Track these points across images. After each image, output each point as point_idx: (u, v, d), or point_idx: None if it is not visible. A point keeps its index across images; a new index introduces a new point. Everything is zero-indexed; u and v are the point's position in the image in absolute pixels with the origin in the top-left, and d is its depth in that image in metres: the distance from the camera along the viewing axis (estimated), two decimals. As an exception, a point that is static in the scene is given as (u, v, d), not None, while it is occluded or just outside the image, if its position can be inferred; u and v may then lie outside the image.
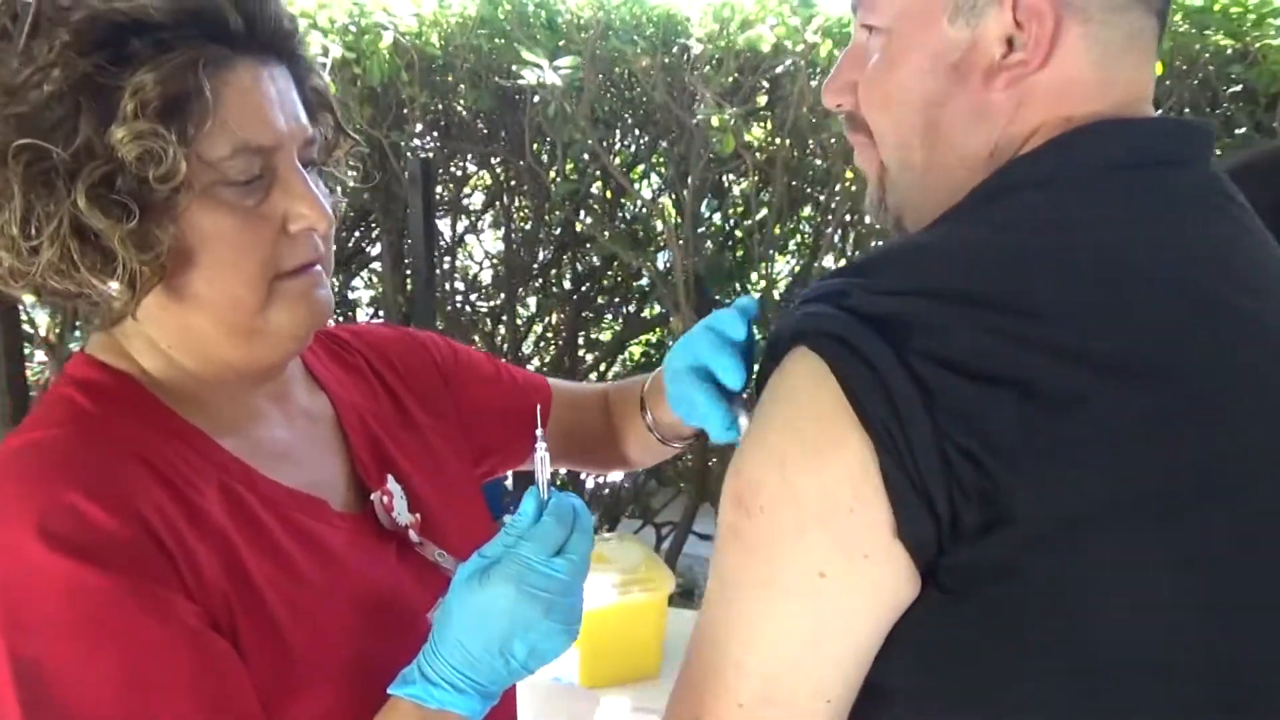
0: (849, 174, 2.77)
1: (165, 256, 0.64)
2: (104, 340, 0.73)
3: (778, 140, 2.84)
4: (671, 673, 0.59)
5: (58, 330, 3.18)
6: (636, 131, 3.23)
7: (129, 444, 0.67)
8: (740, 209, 3.19)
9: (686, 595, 3.44)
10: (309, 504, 0.76)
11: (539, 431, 0.73)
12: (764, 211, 3.00)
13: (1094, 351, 0.53)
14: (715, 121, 2.51)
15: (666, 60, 2.61)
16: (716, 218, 3.35)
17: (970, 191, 0.61)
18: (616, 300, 3.74)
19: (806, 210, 3.24)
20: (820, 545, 0.54)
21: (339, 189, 0.82)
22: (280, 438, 0.78)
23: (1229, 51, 2.44)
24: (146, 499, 0.64)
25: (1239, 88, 2.53)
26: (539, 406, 0.84)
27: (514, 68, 2.54)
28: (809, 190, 3.07)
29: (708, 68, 2.63)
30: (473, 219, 3.79)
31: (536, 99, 2.67)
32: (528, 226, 3.60)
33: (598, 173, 3.26)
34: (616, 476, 3.64)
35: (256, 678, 0.66)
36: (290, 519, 0.74)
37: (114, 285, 0.63)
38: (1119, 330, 0.54)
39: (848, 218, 3.02)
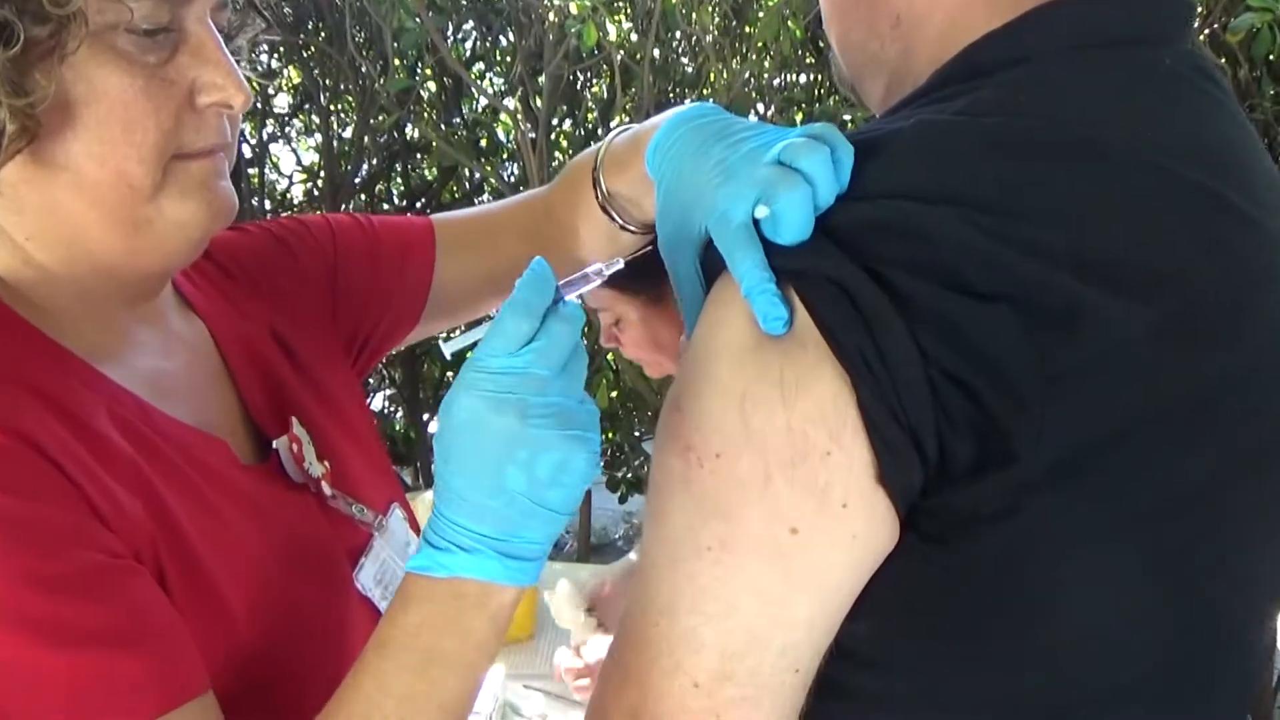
0: (723, 75, 2.74)
1: (41, 109, 0.57)
2: None
3: (638, 36, 2.79)
4: (547, 636, 0.54)
5: None
6: (479, 21, 3.15)
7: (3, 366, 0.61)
8: (597, 114, 3.15)
9: (597, 550, 3.33)
10: (213, 446, 0.71)
11: None
12: (625, 118, 2.97)
13: (1090, 257, 0.51)
14: (574, 8, 2.41)
15: (514, -64, 2.49)
16: (570, 124, 3.32)
17: (936, 71, 0.60)
18: None
19: None
20: (790, 496, 0.51)
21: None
22: (164, 370, 0.72)
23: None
24: (42, 431, 0.59)
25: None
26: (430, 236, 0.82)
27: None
28: (676, 94, 3.03)
29: (562, -54, 2.56)
30: (280, 124, 3.62)
31: (358, -23, 2.51)
32: (348, 133, 3.48)
33: (433, 69, 3.17)
34: None
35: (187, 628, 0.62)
36: (199, 461, 0.68)
37: None
38: (1116, 232, 0.53)
39: None
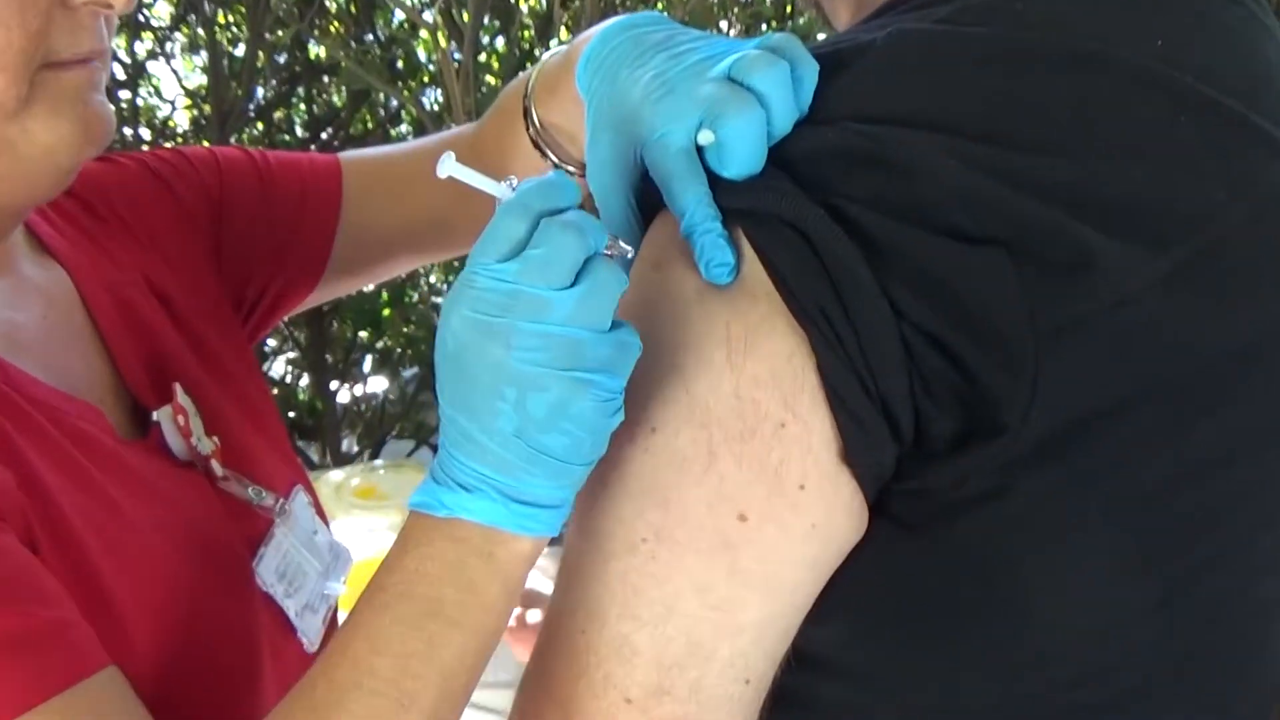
0: (679, -14, 2.74)
1: None
2: None
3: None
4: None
5: None
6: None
7: None
8: (534, 31, 3.14)
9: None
10: (87, 413, 0.69)
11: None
12: (564, 33, 2.98)
13: (1096, 194, 0.51)
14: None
15: None
16: (502, 42, 3.33)
17: None
18: None
19: None
20: (737, 477, 0.51)
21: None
22: (19, 323, 0.70)
23: None
24: None
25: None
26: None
27: None
28: (625, 6, 3.04)
29: None
30: (159, 39, 3.57)
31: None
32: (239, 50, 3.45)
33: (339, -24, 3.12)
34: (380, 385, 3.57)
35: None
36: (74, 429, 0.66)
37: None
38: (1127, 165, 0.52)
39: None
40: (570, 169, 0.80)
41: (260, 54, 3.37)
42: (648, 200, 0.59)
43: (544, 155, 0.80)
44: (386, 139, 3.64)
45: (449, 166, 0.54)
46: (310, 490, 0.83)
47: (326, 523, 0.82)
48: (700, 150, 0.54)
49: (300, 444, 4.20)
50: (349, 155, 0.91)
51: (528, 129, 0.80)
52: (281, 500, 0.78)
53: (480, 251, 0.55)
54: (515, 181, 0.57)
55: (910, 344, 0.49)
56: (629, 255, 0.56)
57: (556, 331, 0.54)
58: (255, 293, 0.88)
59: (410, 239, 0.91)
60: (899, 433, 0.50)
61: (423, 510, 0.58)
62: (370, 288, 3.63)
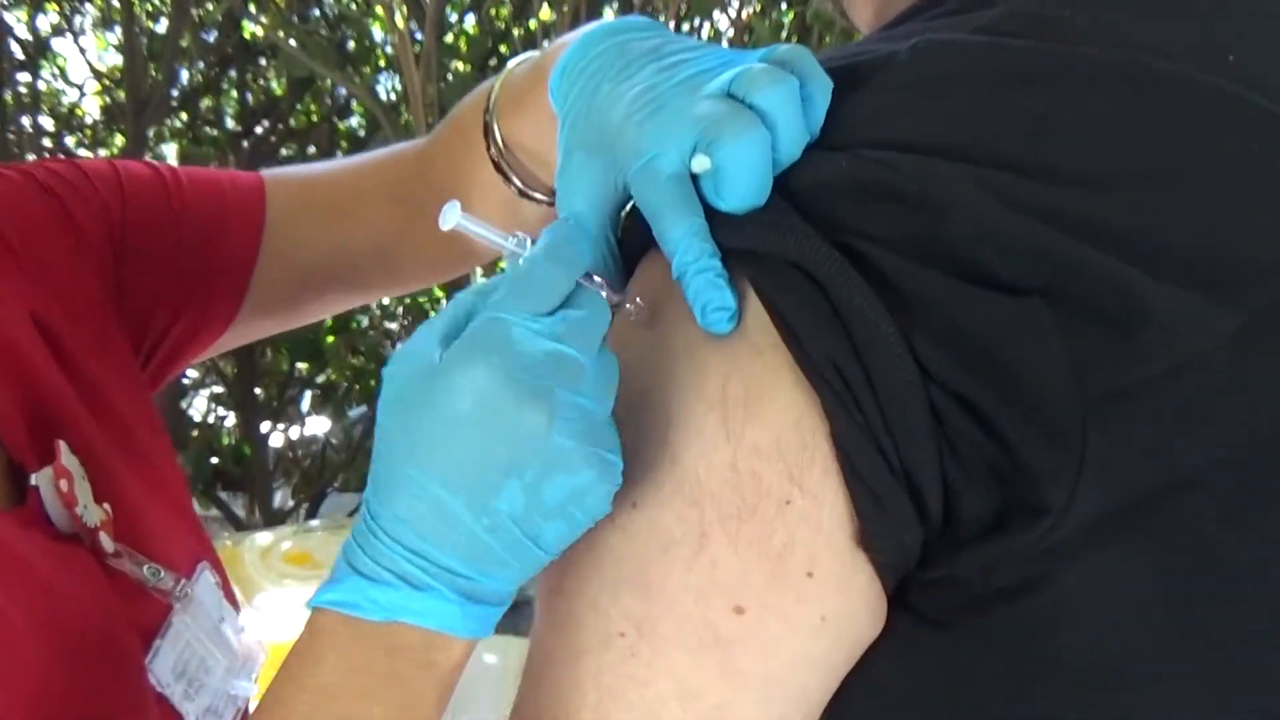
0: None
1: None
2: None
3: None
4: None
5: None
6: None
7: None
8: (510, 9, 3.18)
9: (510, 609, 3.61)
10: None
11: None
12: (545, 10, 2.95)
13: (1158, 237, 0.52)
14: None
15: None
16: (472, 21, 3.33)
17: None
18: (311, 149, 3.68)
19: (608, 11, 3.26)
20: (734, 563, 0.52)
21: None
22: None
23: None
24: None
25: None
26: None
27: None
28: None
29: None
30: (65, 12, 3.60)
31: None
32: (161, 27, 3.45)
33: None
34: (320, 427, 3.60)
35: None
36: None
37: None
38: (1195, 204, 0.53)
39: (673, 24, 2.99)
40: (539, 197, 0.82)
41: (185, 31, 3.40)
42: (631, 235, 0.61)
43: (507, 180, 0.81)
44: (333, 134, 3.65)
45: (454, 217, 0.55)
46: (218, 568, 0.84)
47: (237, 606, 0.82)
48: (695, 179, 0.56)
49: (224, 496, 4.25)
50: (274, 172, 0.93)
51: (488, 149, 0.81)
52: (183, 581, 0.78)
53: (513, 299, 0.56)
54: (525, 238, 0.58)
55: (938, 409, 0.51)
56: (615, 300, 0.58)
57: (587, 406, 0.56)
58: (158, 333, 0.90)
59: (345, 272, 0.93)
60: (925, 512, 0.52)
61: (344, 611, 0.57)
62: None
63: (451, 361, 0.56)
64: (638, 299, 0.59)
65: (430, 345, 0.58)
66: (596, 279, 0.58)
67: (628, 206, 0.63)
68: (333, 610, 0.58)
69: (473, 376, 0.55)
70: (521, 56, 0.80)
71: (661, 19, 2.97)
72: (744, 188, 0.55)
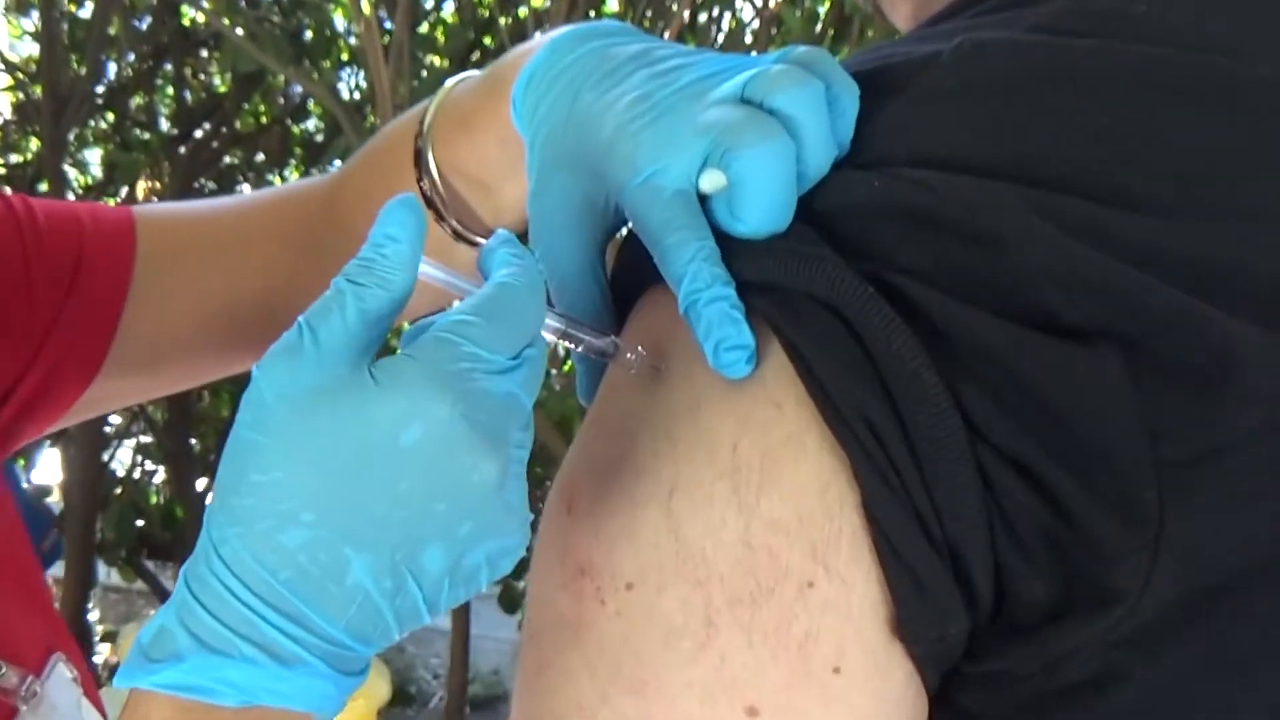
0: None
1: None
2: None
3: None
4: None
5: None
6: None
7: None
8: None
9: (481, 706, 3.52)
10: None
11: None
12: (536, 4, 3.00)
13: (1246, 274, 0.52)
14: None
15: None
16: (451, 9, 3.34)
17: None
18: (260, 156, 3.72)
19: (610, 4, 3.27)
20: (746, 657, 0.52)
21: None
22: None
23: None
24: None
25: None
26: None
27: None
28: None
29: None
30: None
31: None
32: (85, 12, 3.46)
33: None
34: None
35: None
36: None
37: None
38: (1272, 230, 0.54)
39: (706, 17, 2.98)
40: (478, 240, 0.82)
41: (114, 17, 3.40)
42: (624, 266, 0.63)
43: (439, 219, 0.81)
44: (286, 139, 3.63)
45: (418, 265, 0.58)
46: (77, 660, 0.84)
47: (100, 708, 0.81)
48: (703, 200, 0.57)
49: (150, 566, 4.24)
50: (147, 209, 0.95)
51: (419, 180, 0.81)
52: (30, 679, 0.79)
53: (486, 341, 0.57)
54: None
55: (988, 474, 0.52)
56: (603, 346, 0.60)
57: (524, 458, 0.59)
58: (3, 386, 0.90)
59: (226, 324, 0.94)
60: (973, 596, 0.53)
61: (189, 697, 0.56)
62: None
63: (396, 382, 0.54)
64: (639, 346, 0.58)
65: (340, 351, 0.55)
66: (583, 325, 0.59)
67: (621, 233, 0.63)
68: (167, 695, 0.55)
69: (428, 407, 0.54)
70: (460, 76, 0.80)
71: (676, 7, 2.93)
72: (764, 206, 0.55)
